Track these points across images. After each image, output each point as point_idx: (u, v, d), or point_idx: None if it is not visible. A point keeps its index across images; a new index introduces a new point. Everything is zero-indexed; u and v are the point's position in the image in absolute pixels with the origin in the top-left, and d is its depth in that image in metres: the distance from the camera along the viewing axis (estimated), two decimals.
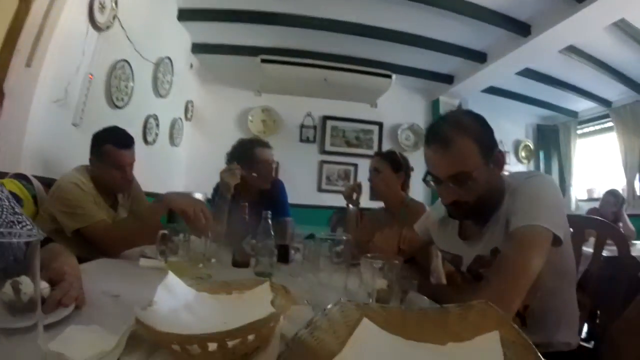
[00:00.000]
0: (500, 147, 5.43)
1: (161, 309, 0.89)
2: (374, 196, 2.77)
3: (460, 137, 1.39)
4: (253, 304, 0.91)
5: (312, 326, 0.77)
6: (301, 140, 6.55)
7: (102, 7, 3.17)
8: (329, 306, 0.83)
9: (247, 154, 2.95)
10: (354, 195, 2.88)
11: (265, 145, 3.01)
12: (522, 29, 4.70)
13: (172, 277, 0.97)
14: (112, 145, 2.30)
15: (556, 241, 1.32)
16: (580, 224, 1.94)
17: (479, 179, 1.38)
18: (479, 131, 1.42)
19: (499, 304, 1.13)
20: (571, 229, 1.56)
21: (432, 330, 0.84)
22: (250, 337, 0.74)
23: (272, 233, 1.89)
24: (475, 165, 1.38)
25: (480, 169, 1.38)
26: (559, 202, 1.41)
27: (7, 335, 0.70)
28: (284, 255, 2.08)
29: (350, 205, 2.90)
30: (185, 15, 5.11)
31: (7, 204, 1.45)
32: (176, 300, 0.93)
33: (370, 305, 0.89)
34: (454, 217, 1.59)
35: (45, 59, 2.68)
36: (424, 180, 1.52)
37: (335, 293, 1.13)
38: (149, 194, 2.83)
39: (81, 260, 1.70)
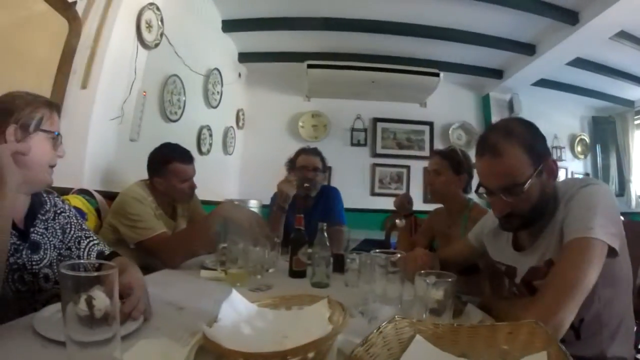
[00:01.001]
0: (556, 142, 5.29)
1: (226, 324, 0.94)
2: (434, 199, 2.60)
3: (510, 148, 1.37)
4: (312, 320, 0.95)
5: (368, 343, 0.80)
6: (352, 144, 6.52)
7: (149, 26, 3.30)
8: (384, 324, 0.86)
9: (292, 161, 3.09)
10: (405, 206, 2.84)
11: (309, 152, 3.09)
12: (570, 17, 4.55)
13: (235, 295, 1.02)
14: (179, 162, 2.45)
15: (612, 252, 1.28)
16: None
17: (531, 190, 1.36)
18: (530, 140, 1.39)
19: (552, 318, 1.14)
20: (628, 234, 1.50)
21: (483, 347, 0.86)
22: (310, 355, 0.78)
23: (328, 244, 1.93)
24: (527, 176, 1.36)
25: (532, 180, 1.36)
26: (615, 211, 1.36)
27: (83, 347, 0.79)
28: (339, 265, 2.12)
29: (398, 220, 2.86)
30: (229, 26, 5.22)
31: (75, 221, 1.57)
32: (240, 316, 0.98)
33: (423, 322, 0.92)
34: (506, 229, 1.55)
35: (100, 80, 2.82)
36: (477, 192, 1.51)
37: (390, 305, 1.16)
38: (205, 202, 2.93)
39: (143, 270, 1.80)
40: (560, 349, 0.74)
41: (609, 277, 1.35)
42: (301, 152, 3.13)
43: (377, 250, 1.30)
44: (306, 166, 3.02)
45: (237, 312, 0.99)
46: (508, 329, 0.86)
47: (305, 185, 2.97)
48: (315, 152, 3.12)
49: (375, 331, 0.83)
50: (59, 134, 1.37)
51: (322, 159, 3.12)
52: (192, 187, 2.53)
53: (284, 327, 0.97)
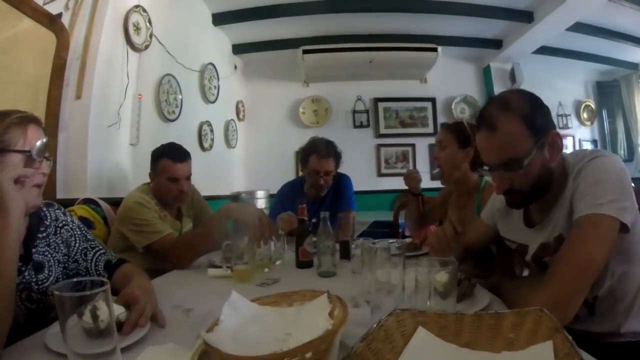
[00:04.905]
0: (560, 110, 5.18)
1: (227, 326, 0.93)
2: (444, 180, 2.44)
3: (507, 121, 1.31)
4: (313, 315, 0.93)
5: (369, 338, 0.79)
6: (355, 127, 6.50)
7: (137, 28, 3.29)
8: (384, 317, 0.85)
9: (304, 159, 3.08)
10: (415, 182, 2.72)
11: (322, 153, 3.01)
12: None
13: (235, 295, 1.01)
14: (167, 158, 2.42)
15: (624, 227, 1.23)
16: None
17: (531, 165, 1.32)
18: (529, 112, 1.32)
19: (561, 301, 1.12)
20: None
21: (487, 337, 0.84)
22: (308, 355, 0.77)
23: (332, 233, 1.91)
24: (526, 150, 1.30)
25: (532, 154, 1.31)
26: (625, 184, 1.29)
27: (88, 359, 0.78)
28: (346, 252, 2.11)
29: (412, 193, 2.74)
30: (220, 19, 5.20)
31: (78, 232, 1.56)
32: (241, 317, 0.97)
33: (425, 313, 0.89)
34: (511, 205, 1.50)
35: (93, 88, 2.84)
36: (477, 170, 1.48)
37: (394, 292, 1.14)
38: (212, 198, 2.92)
39: (154, 272, 1.81)
40: (567, 338, 0.72)
41: (622, 252, 1.31)
42: (314, 149, 3.03)
43: (379, 242, 1.29)
44: (318, 171, 2.99)
45: (238, 313, 0.98)
46: (513, 318, 0.84)
47: (320, 189, 3.01)
48: (328, 152, 3.02)
49: (375, 325, 0.82)
50: (40, 152, 1.29)
51: (336, 157, 3.07)
52: (181, 190, 2.45)
53: (286, 324, 0.96)
